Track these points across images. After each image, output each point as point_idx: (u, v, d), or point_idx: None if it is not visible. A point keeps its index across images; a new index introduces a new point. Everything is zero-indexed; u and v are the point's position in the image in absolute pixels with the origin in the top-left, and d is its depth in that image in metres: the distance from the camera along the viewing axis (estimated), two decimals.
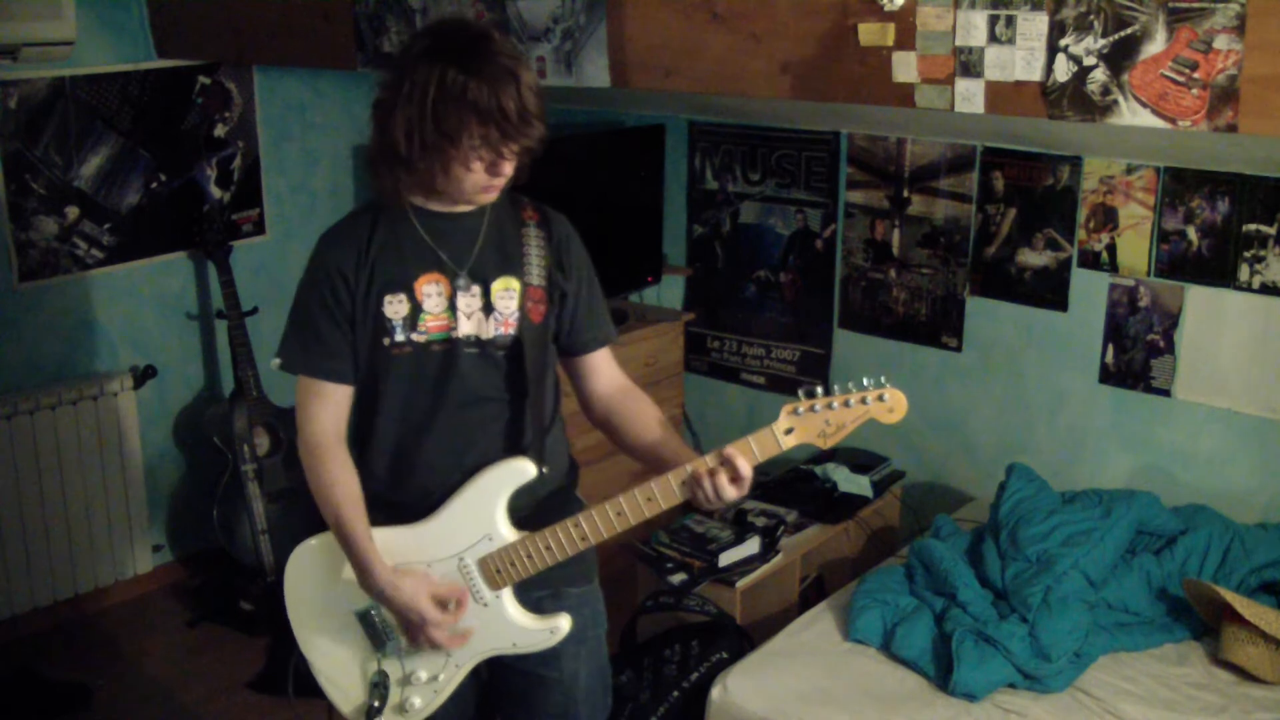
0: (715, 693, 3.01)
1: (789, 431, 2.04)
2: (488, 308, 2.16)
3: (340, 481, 2.14)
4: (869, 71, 2.76)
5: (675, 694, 3.24)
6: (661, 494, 2.08)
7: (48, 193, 3.94)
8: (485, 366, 2.17)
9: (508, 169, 2.06)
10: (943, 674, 3.00)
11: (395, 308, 2.12)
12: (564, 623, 2.21)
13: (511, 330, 2.17)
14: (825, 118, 4.14)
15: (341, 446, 2.17)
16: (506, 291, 2.17)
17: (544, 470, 2.19)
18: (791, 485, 4.14)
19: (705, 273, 4.69)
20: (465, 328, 2.15)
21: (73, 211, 4.02)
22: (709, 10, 2.95)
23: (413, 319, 2.13)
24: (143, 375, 4.19)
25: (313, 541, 2.27)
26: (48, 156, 3.92)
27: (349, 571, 2.20)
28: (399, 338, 2.13)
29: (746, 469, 2.04)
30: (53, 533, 4.01)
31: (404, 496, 2.19)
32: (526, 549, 2.15)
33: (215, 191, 4.36)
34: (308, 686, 2.34)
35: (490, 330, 2.16)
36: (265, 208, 4.51)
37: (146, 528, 4.27)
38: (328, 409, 2.16)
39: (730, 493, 2.05)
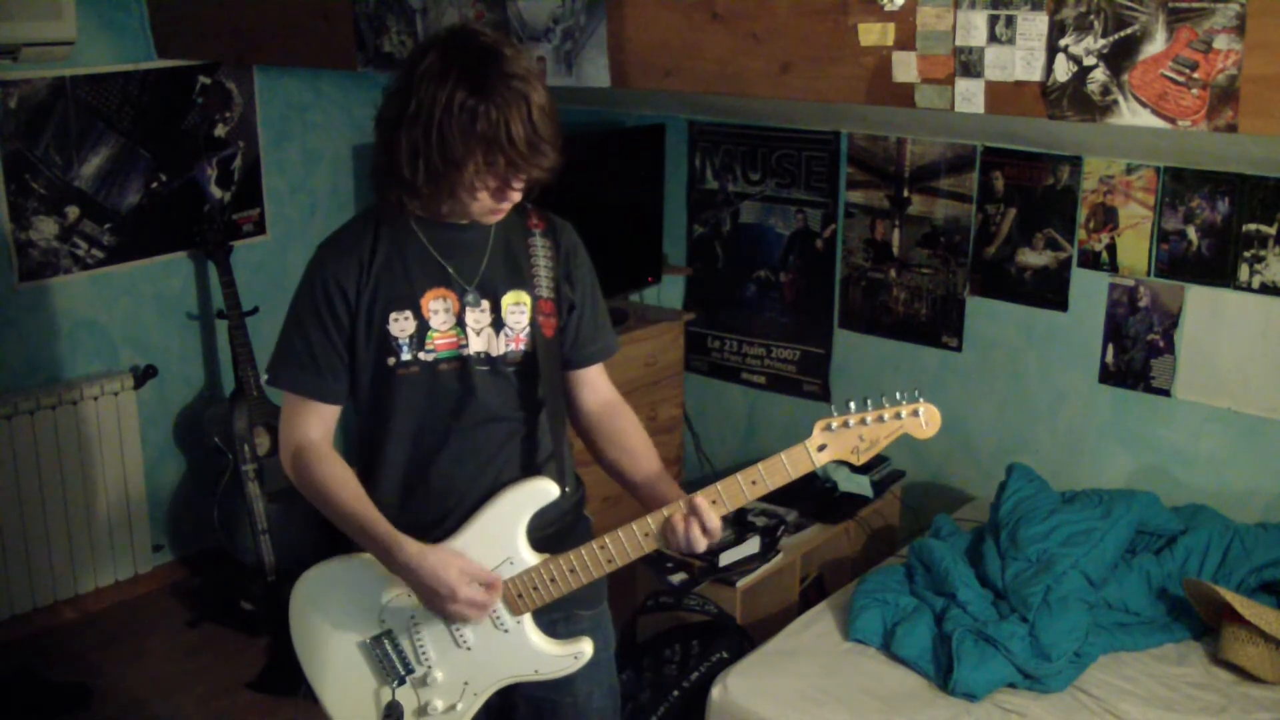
0: (715, 692, 3.01)
1: (822, 448, 2.02)
2: (498, 323, 2.09)
3: (337, 476, 2.07)
4: (869, 71, 2.76)
5: (675, 694, 3.24)
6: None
7: (48, 193, 3.94)
8: (497, 384, 2.10)
9: (515, 195, 1.99)
10: (943, 674, 3.00)
11: (401, 325, 2.05)
12: (587, 648, 2.15)
13: (523, 346, 2.11)
14: (825, 118, 4.14)
15: (331, 449, 2.11)
16: (517, 306, 2.10)
17: (565, 490, 2.14)
18: (791, 485, 4.13)
19: (705, 273, 4.69)
20: (475, 344, 2.08)
21: (73, 211, 4.02)
22: (709, 10, 2.95)
23: (420, 337, 2.06)
24: (143, 375, 4.19)
25: (316, 570, 2.20)
26: (48, 156, 3.92)
27: (356, 600, 2.14)
28: (405, 357, 2.06)
29: (712, 520, 2.02)
30: (53, 533, 4.01)
31: (417, 520, 2.11)
32: (550, 572, 2.08)
33: (215, 191, 4.36)
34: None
35: (500, 347, 2.10)
36: (265, 208, 4.51)
37: (146, 528, 4.27)
38: (315, 423, 2.09)
39: (701, 544, 2.03)
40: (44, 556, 4.00)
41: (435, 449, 2.11)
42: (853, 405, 2.01)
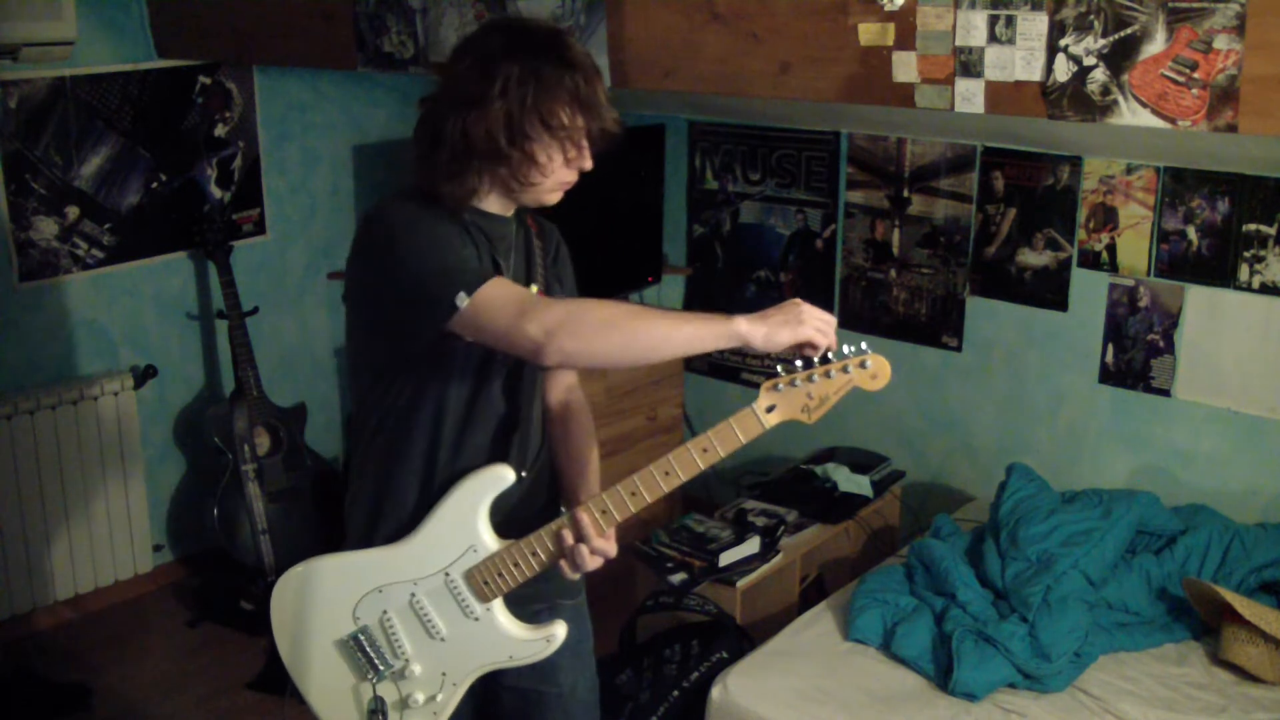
0: (715, 693, 3.01)
1: (771, 409, 1.95)
2: None
3: (623, 305, 2.02)
4: (869, 71, 2.76)
5: (675, 694, 3.24)
6: (645, 487, 2.00)
7: (48, 193, 3.94)
8: (510, 374, 2.13)
9: (588, 163, 2.13)
10: (943, 674, 3.00)
11: None
12: (560, 630, 2.16)
13: None
14: (825, 118, 4.14)
15: None
16: None
17: (522, 475, 2.14)
18: (791, 485, 4.14)
19: (705, 273, 4.69)
20: None
21: (73, 211, 4.02)
22: (709, 10, 2.95)
23: None
24: (143, 375, 4.19)
25: (291, 574, 2.20)
26: (48, 156, 3.92)
27: (330, 600, 2.15)
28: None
29: (596, 541, 2.03)
30: (53, 533, 4.01)
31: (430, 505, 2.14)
32: (513, 557, 2.09)
33: (215, 191, 4.36)
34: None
35: None
36: (265, 208, 4.51)
37: (146, 528, 4.27)
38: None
39: (589, 564, 2.05)
40: (44, 556, 4.00)
41: (449, 442, 2.11)
42: (799, 364, 1.95)
